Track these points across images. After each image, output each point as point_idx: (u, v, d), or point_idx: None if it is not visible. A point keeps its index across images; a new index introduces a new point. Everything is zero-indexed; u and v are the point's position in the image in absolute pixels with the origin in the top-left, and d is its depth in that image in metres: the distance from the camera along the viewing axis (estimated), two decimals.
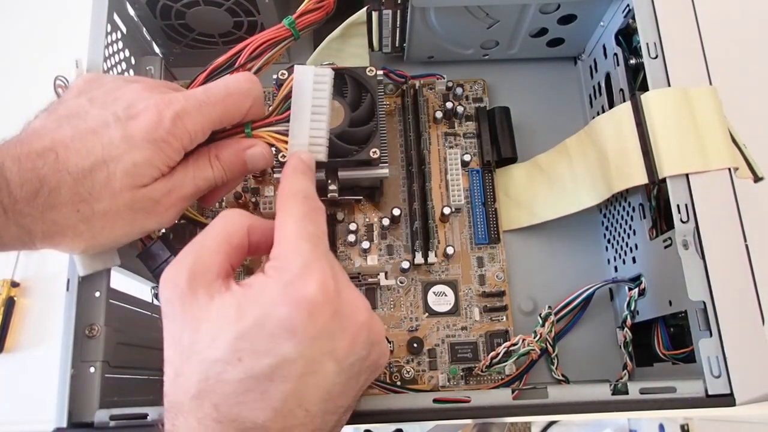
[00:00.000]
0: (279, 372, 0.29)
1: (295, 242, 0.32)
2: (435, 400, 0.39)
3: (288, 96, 0.39)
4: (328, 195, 0.47)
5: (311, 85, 0.37)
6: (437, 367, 0.53)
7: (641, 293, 0.49)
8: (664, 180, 0.43)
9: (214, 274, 0.32)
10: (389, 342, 0.53)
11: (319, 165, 0.42)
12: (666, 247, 0.45)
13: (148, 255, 0.42)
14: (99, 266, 0.40)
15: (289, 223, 0.33)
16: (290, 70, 0.49)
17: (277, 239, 0.33)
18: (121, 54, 0.50)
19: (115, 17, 0.49)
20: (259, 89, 0.38)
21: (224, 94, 0.36)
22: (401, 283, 0.55)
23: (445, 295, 0.55)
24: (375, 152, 0.47)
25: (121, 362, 0.43)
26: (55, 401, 0.39)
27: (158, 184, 0.35)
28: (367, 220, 0.56)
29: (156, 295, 0.54)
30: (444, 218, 0.56)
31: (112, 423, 0.39)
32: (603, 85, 0.56)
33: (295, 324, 0.30)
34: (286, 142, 0.38)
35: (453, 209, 0.56)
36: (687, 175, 0.42)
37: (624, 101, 0.48)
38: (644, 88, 0.46)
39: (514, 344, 0.49)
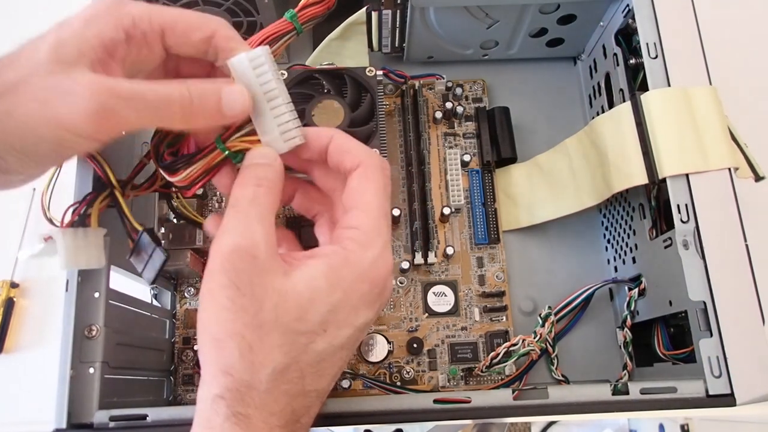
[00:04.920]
0: (348, 341, 0.32)
1: (378, 219, 0.33)
2: (435, 401, 0.39)
3: None
4: None
5: (252, 73, 0.34)
6: (437, 367, 0.53)
7: (641, 293, 0.49)
8: (664, 180, 0.43)
9: (276, 244, 0.32)
10: (389, 342, 0.53)
11: None
12: (666, 247, 0.45)
13: (139, 248, 0.40)
14: (82, 263, 0.39)
15: (369, 194, 0.33)
16: (290, 71, 0.49)
17: (354, 205, 0.33)
18: None
19: None
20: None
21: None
22: (401, 283, 0.55)
23: (445, 296, 0.55)
24: (375, 152, 0.47)
25: (120, 363, 0.42)
26: (54, 402, 0.39)
27: (84, 72, 0.31)
28: None
29: (156, 296, 0.54)
30: (444, 218, 0.56)
31: (112, 424, 0.39)
32: (603, 85, 0.56)
33: (372, 299, 0.32)
34: (260, 141, 0.35)
35: (453, 209, 0.56)
36: (687, 175, 0.42)
37: (624, 101, 0.48)
38: (644, 88, 0.46)
39: (514, 344, 0.49)
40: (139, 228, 0.39)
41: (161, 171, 0.37)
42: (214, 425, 0.29)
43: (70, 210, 0.39)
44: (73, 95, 0.30)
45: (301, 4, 0.44)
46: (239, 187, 0.33)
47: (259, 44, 0.40)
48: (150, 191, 0.41)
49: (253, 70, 0.34)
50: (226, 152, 0.35)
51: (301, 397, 0.31)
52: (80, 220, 0.39)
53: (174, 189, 0.43)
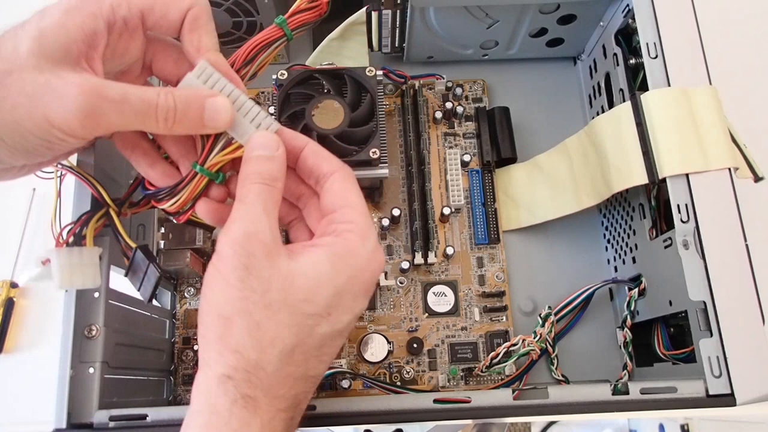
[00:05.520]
0: (346, 328, 0.33)
1: (367, 217, 0.35)
2: (435, 401, 0.39)
3: None
4: None
5: (205, 86, 0.35)
6: (437, 367, 0.53)
7: (641, 293, 0.49)
8: (664, 180, 0.43)
9: (280, 234, 0.33)
10: (389, 342, 0.53)
11: None
12: (666, 247, 0.45)
13: (134, 266, 0.41)
14: (78, 283, 0.39)
15: (354, 195, 0.35)
16: (290, 71, 0.49)
17: (343, 203, 0.35)
18: None
19: None
20: (203, 1, 0.35)
21: None
22: (401, 283, 0.55)
23: (445, 296, 0.55)
24: (375, 152, 0.47)
25: (120, 363, 0.42)
26: (54, 402, 0.39)
27: (71, 71, 0.31)
28: None
29: (156, 296, 0.54)
30: (444, 218, 0.56)
31: (112, 424, 0.39)
32: (603, 85, 0.56)
33: (368, 288, 0.34)
34: (240, 147, 0.35)
35: (453, 209, 0.56)
36: (687, 175, 0.42)
37: (624, 101, 0.48)
38: (644, 88, 0.46)
39: (514, 344, 0.49)
40: (133, 245, 0.39)
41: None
42: (221, 409, 0.29)
43: (65, 230, 0.39)
44: (63, 95, 0.30)
45: (291, 10, 0.43)
46: (243, 184, 0.34)
47: (250, 52, 0.41)
48: (147, 208, 0.41)
49: (205, 83, 0.35)
50: (209, 176, 0.36)
51: (302, 381, 0.32)
52: (76, 240, 0.39)
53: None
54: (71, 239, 0.39)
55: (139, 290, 0.41)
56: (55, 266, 0.38)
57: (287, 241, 0.38)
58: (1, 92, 0.30)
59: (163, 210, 0.38)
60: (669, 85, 0.44)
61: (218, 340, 0.31)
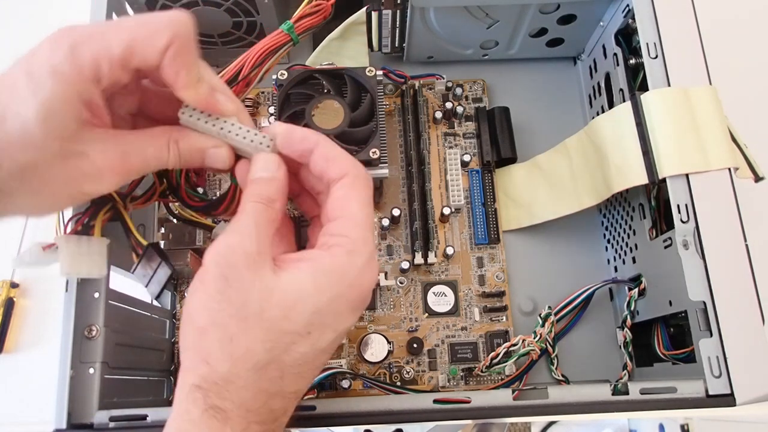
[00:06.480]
0: (330, 345, 0.32)
1: (364, 229, 0.33)
2: (435, 401, 0.39)
3: None
4: None
5: (198, 123, 0.35)
6: (437, 367, 0.53)
7: (641, 293, 0.49)
8: (663, 180, 0.43)
9: (271, 246, 0.33)
10: (389, 342, 0.53)
11: None
12: (666, 247, 0.45)
13: (144, 262, 0.41)
14: (83, 272, 0.39)
15: (355, 204, 0.34)
16: (290, 71, 0.49)
17: (340, 214, 0.33)
18: None
19: (114, 18, 0.49)
20: (185, 28, 0.32)
21: (134, 24, 0.31)
22: (401, 283, 0.55)
23: (445, 296, 0.55)
24: (375, 152, 0.47)
25: (120, 363, 0.42)
26: (54, 402, 0.39)
27: (91, 141, 0.32)
28: None
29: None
30: (444, 218, 0.56)
31: (112, 424, 0.39)
32: (603, 85, 0.56)
33: (356, 305, 0.33)
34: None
35: (453, 209, 0.56)
36: (687, 175, 0.42)
37: (624, 101, 0.48)
38: (644, 88, 0.46)
39: (514, 344, 0.49)
40: (144, 243, 0.40)
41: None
42: (193, 417, 0.29)
43: (74, 219, 0.39)
44: (97, 177, 0.33)
45: (297, 14, 0.44)
46: (244, 201, 0.34)
47: (259, 57, 0.41)
48: (150, 203, 0.41)
49: (197, 120, 0.35)
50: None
51: (279, 398, 0.31)
52: (84, 230, 0.39)
53: (172, 199, 0.43)
54: (80, 228, 0.39)
55: (146, 287, 0.41)
56: (62, 252, 0.38)
57: (302, 244, 0.38)
58: (32, 185, 0.31)
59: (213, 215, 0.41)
60: (669, 85, 0.44)
61: (192, 349, 0.31)
